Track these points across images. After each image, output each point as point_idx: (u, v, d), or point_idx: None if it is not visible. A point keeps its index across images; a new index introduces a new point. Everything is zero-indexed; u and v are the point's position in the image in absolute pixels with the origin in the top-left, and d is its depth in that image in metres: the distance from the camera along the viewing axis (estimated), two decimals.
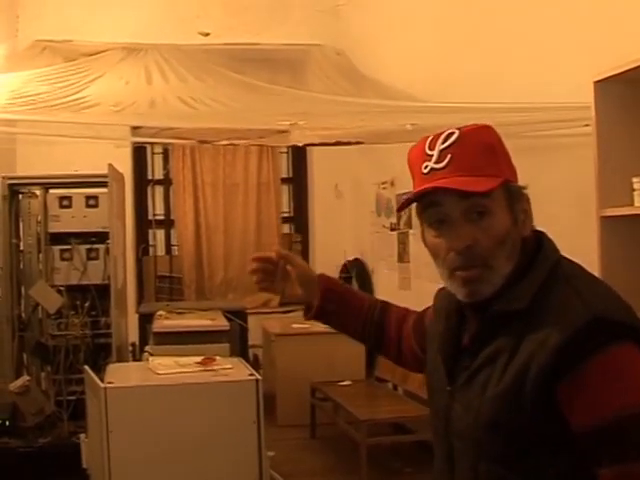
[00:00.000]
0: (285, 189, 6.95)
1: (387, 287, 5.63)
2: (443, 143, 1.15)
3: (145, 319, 5.00)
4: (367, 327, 1.52)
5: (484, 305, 1.15)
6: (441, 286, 1.28)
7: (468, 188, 1.11)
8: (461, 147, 1.14)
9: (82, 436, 2.98)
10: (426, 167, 1.16)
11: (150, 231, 6.71)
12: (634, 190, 2.15)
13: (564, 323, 1.06)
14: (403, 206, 1.20)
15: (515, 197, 1.16)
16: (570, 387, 1.04)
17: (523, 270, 1.15)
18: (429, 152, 1.16)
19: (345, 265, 6.28)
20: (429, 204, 1.16)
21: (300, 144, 4.02)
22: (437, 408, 1.25)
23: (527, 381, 1.06)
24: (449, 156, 1.14)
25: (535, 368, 1.06)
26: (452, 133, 1.16)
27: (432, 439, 1.31)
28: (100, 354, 4.09)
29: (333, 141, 3.98)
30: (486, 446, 1.12)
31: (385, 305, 1.55)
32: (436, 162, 1.15)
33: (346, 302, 1.53)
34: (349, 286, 1.60)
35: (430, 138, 1.17)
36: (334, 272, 6.43)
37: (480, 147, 1.15)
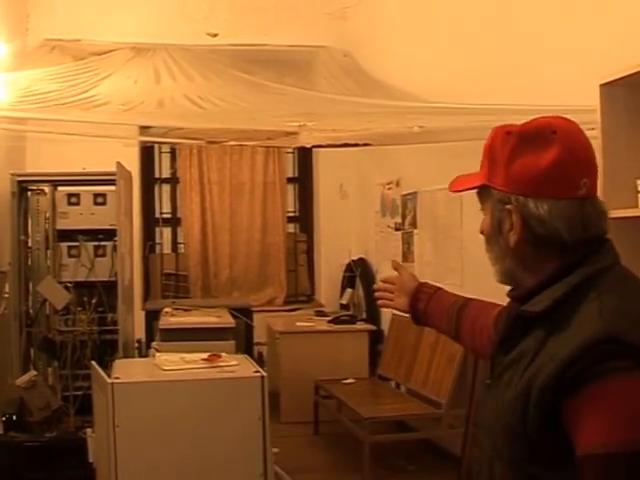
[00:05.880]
0: (291, 189, 6.98)
1: None
2: None
3: (151, 316, 5.03)
4: (449, 322, 1.60)
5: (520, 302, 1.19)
6: None
7: (453, 184, 1.25)
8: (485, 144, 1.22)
9: (88, 431, 3.00)
10: None
11: (157, 229, 6.75)
12: (639, 192, 2.18)
13: (576, 338, 1.04)
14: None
15: (498, 202, 1.17)
16: (571, 406, 1.03)
17: (562, 275, 1.13)
18: None
19: (350, 264, 6.30)
20: None
21: (308, 145, 4.05)
22: (477, 398, 1.30)
23: (533, 390, 1.06)
24: None
25: (541, 378, 1.05)
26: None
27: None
28: (106, 350, 4.11)
29: (341, 143, 4.00)
30: (499, 445, 1.13)
31: (467, 301, 1.62)
32: None
33: (434, 301, 1.63)
34: (443, 289, 1.68)
35: None
36: (339, 271, 6.46)
37: (486, 148, 1.20)
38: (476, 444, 1.24)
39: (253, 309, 5.58)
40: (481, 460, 1.21)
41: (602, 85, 2.24)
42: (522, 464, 1.10)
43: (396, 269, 1.72)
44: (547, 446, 1.07)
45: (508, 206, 1.15)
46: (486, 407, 1.20)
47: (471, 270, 4.21)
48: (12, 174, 4.25)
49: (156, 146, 6.43)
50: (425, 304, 1.63)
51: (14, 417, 3.86)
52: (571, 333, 1.05)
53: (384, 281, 1.74)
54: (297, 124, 3.44)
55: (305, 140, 3.73)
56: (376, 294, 1.75)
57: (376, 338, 5.60)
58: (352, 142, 3.96)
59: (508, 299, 1.28)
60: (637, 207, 2.15)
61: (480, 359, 1.71)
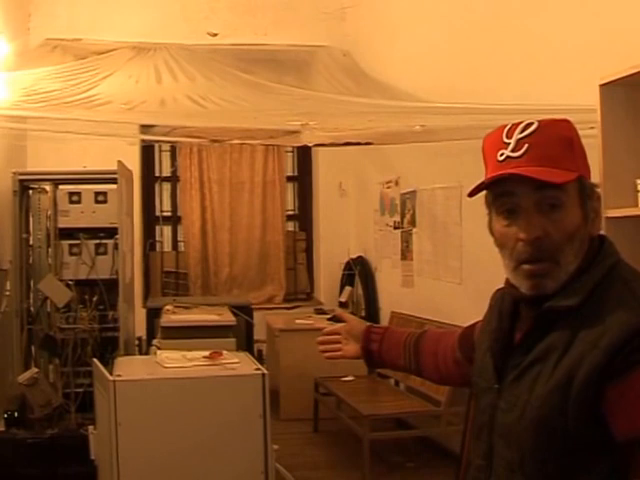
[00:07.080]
0: (290, 187, 7.00)
1: (390, 285, 5.67)
2: (521, 132, 1.15)
3: (152, 313, 5.05)
4: (407, 357, 1.57)
5: (544, 300, 1.15)
6: (498, 287, 1.30)
7: (543, 177, 1.10)
8: (539, 138, 1.14)
9: (90, 428, 3.01)
10: (502, 155, 1.16)
11: (157, 227, 6.77)
12: (638, 191, 2.20)
13: (618, 324, 1.05)
14: (475, 191, 1.19)
15: (588, 194, 1.16)
16: (617, 391, 1.03)
17: (584, 268, 1.14)
18: (506, 140, 1.16)
19: (349, 263, 6.33)
20: (502, 192, 1.16)
21: (311, 144, 4.06)
22: (483, 407, 1.24)
23: (575, 380, 1.05)
24: (526, 145, 1.14)
25: (585, 367, 1.05)
26: (531, 123, 1.16)
27: (472, 436, 1.31)
28: (107, 347, 4.13)
29: (343, 142, 4.02)
30: (527, 443, 1.11)
31: (423, 332, 1.59)
32: (512, 150, 1.15)
33: (388, 339, 1.59)
34: (394, 327, 1.66)
35: (508, 127, 1.18)
36: (338, 269, 6.48)
37: (558, 140, 1.15)
38: (482, 456, 1.21)
39: (253, 307, 5.60)
40: (488, 467, 1.19)
41: (602, 85, 2.26)
42: (554, 457, 1.09)
43: (340, 317, 1.69)
44: (585, 437, 1.06)
45: (595, 194, 1.18)
46: (500, 411, 1.18)
47: (470, 268, 4.23)
48: (14, 173, 4.28)
49: (156, 145, 6.45)
50: (379, 344, 1.60)
51: (16, 414, 3.88)
52: (610, 321, 1.06)
53: (327, 333, 1.68)
54: (299, 123, 3.46)
55: (307, 139, 3.75)
56: (320, 347, 1.68)
57: None
58: (354, 141, 3.98)
59: (488, 307, 1.29)
60: (637, 206, 2.17)
61: (451, 385, 1.66)
